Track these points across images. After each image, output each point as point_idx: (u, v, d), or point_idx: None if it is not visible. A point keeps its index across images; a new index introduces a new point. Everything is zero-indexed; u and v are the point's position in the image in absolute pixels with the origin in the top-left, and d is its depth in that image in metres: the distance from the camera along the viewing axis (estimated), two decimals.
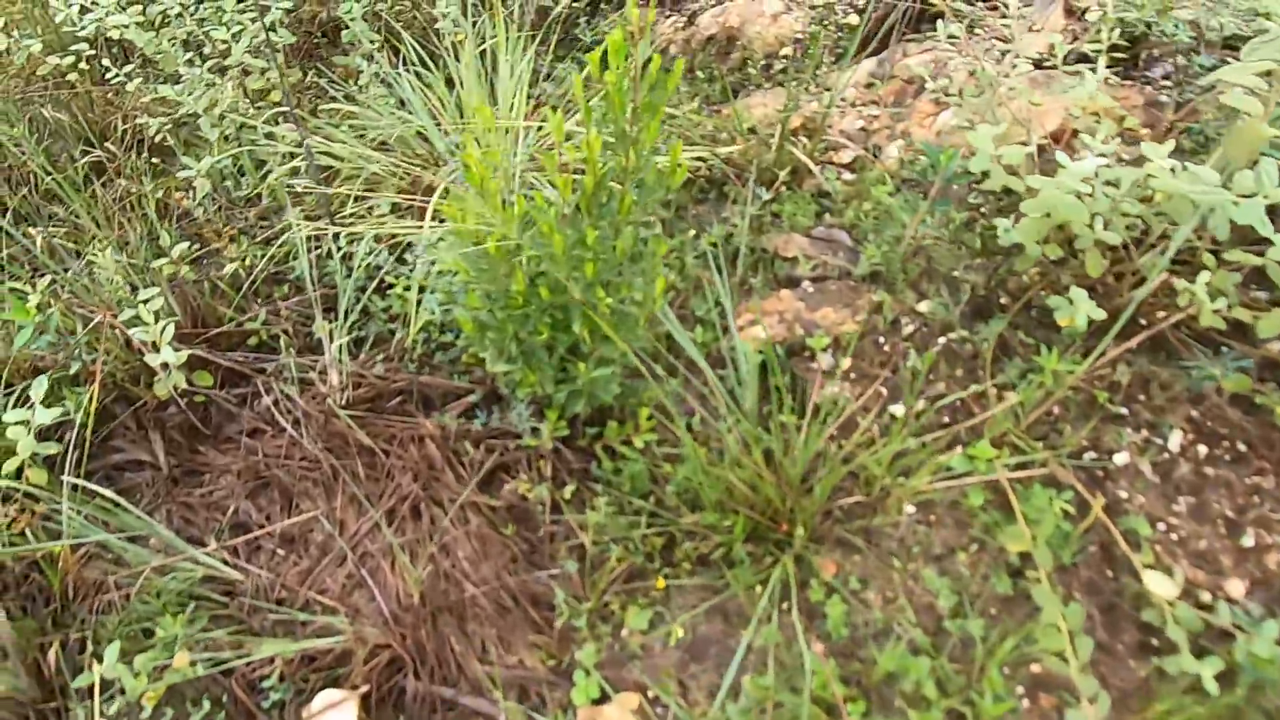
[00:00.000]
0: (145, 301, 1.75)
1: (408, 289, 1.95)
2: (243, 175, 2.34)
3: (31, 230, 2.28)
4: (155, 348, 1.61)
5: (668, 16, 3.05)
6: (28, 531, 1.64)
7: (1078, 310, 1.26)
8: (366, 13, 2.30)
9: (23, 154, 2.47)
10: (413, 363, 1.90)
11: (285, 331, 2.05)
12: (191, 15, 2.24)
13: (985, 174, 1.39)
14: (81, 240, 2.31)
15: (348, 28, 2.42)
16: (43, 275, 2.26)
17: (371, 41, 2.38)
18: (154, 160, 2.55)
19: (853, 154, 2.28)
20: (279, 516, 1.78)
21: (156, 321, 1.57)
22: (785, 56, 2.74)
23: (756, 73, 2.74)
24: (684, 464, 1.55)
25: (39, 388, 1.45)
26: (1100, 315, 1.26)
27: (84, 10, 2.06)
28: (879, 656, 1.36)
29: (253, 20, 2.20)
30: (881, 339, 1.73)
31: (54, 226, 2.36)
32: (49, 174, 2.40)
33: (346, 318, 1.88)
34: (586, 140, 1.12)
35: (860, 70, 2.53)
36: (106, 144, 2.63)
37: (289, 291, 2.17)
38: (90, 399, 1.64)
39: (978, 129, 1.36)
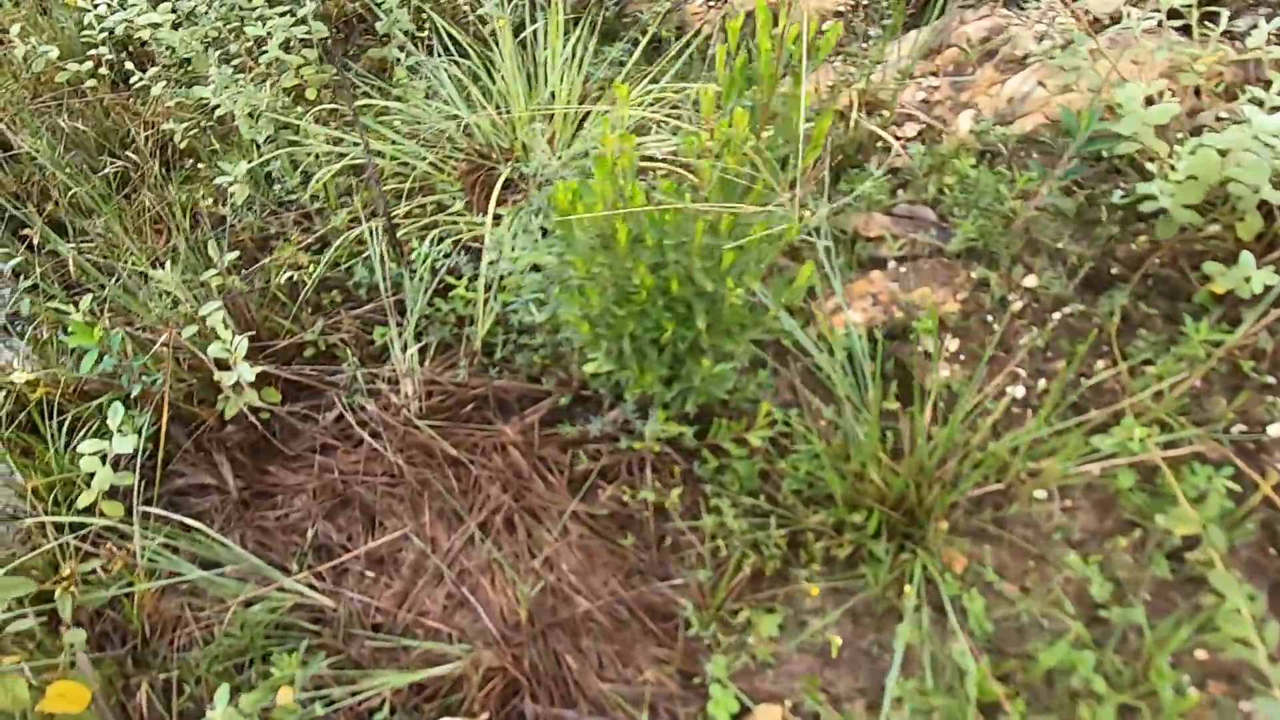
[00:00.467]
0: (205, 317, 1.65)
1: (472, 289, 1.85)
2: (276, 180, 2.22)
3: (61, 248, 2.15)
4: (227, 365, 1.50)
5: None
6: (99, 570, 1.54)
7: (1250, 277, 1.18)
8: (400, 1, 2.18)
9: (44, 167, 2.34)
10: (493, 367, 1.80)
11: (342, 341, 1.95)
12: (218, 14, 2.12)
13: (1127, 136, 1.31)
14: (115, 255, 2.19)
15: (379, 19, 2.30)
16: (78, 293, 2.15)
17: (405, 32, 2.27)
18: (198, 165, 2.42)
19: (917, 127, 2.20)
20: (362, 536, 1.68)
21: (234, 337, 1.46)
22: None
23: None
24: (804, 460, 1.47)
25: (115, 415, 1.34)
26: (1275, 280, 1.19)
27: (112, 9, 1.94)
28: (1034, 651, 1.29)
29: (280, 15, 2.08)
30: (989, 317, 1.65)
31: (84, 242, 2.24)
32: (75, 187, 2.28)
33: (415, 323, 1.78)
34: (729, 117, 1.03)
35: (914, 40, 2.45)
36: (126, 153, 2.50)
37: (339, 298, 2.06)
38: (160, 422, 1.53)
39: (1125, 87, 1.28)
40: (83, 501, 1.36)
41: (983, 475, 1.38)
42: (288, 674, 1.29)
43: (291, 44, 2.17)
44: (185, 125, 2.34)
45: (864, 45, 2.61)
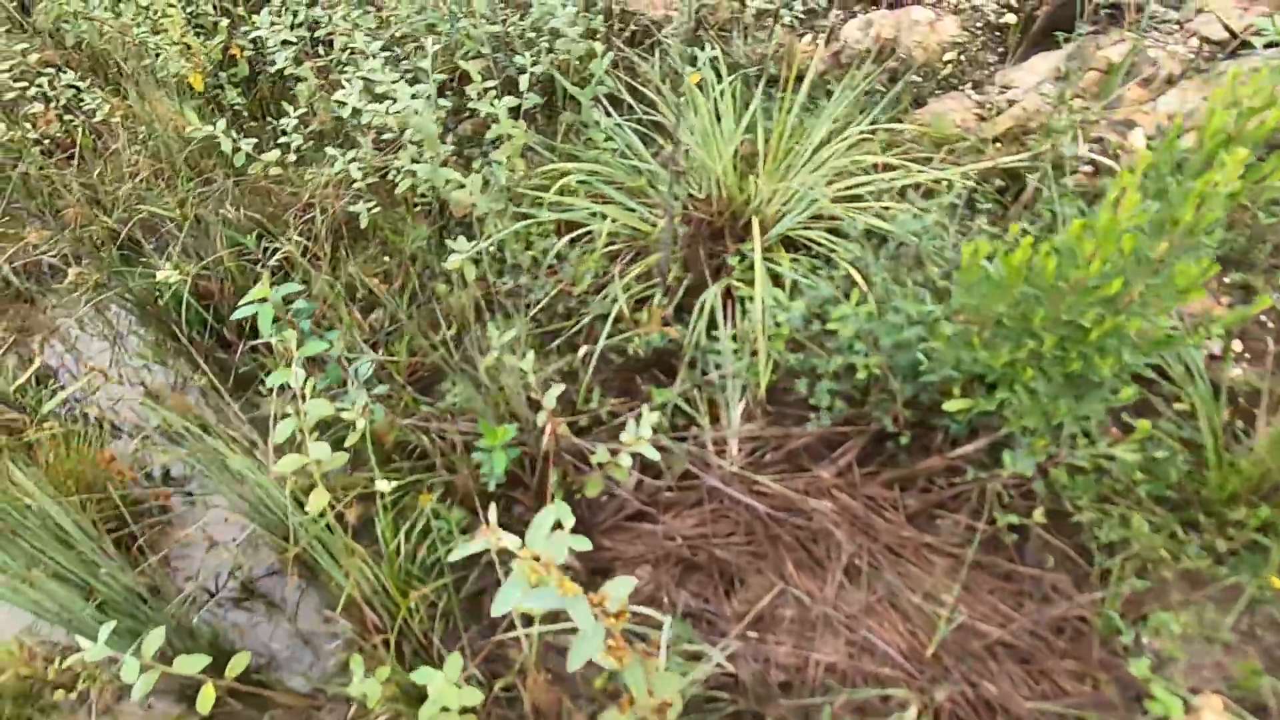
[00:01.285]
0: (542, 397, 1.64)
1: (739, 343, 1.90)
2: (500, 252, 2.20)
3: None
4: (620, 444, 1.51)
5: (801, 35, 3.08)
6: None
7: None
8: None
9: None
10: (817, 415, 1.84)
11: (628, 407, 1.95)
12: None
13: None
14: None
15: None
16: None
17: (594, 100, 2.29)
18: (366, 244, 2.36)
19: (1084, 146, 2.39)
20: (721, 598, 1.70)
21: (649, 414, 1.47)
22: (949, 61, 2.83)
23: (926, 80, 2.80)
24: (1168, 464, 1.59)
25: (565, 513, 1.33)
26: None
27: (377, 98, 1.89)
28: None
29: (494, 88, 2.08)
30: (1262, 316, 1.82)
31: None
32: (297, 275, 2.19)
33: (737, 383, 1.81)
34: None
35: (1044, 65, 2.64)
36: (294, 235, 2.42)
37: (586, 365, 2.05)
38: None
39: None
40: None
41: None
42: None
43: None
44: (367, 205, 2.29)
45: (985, 72, 2.80)
